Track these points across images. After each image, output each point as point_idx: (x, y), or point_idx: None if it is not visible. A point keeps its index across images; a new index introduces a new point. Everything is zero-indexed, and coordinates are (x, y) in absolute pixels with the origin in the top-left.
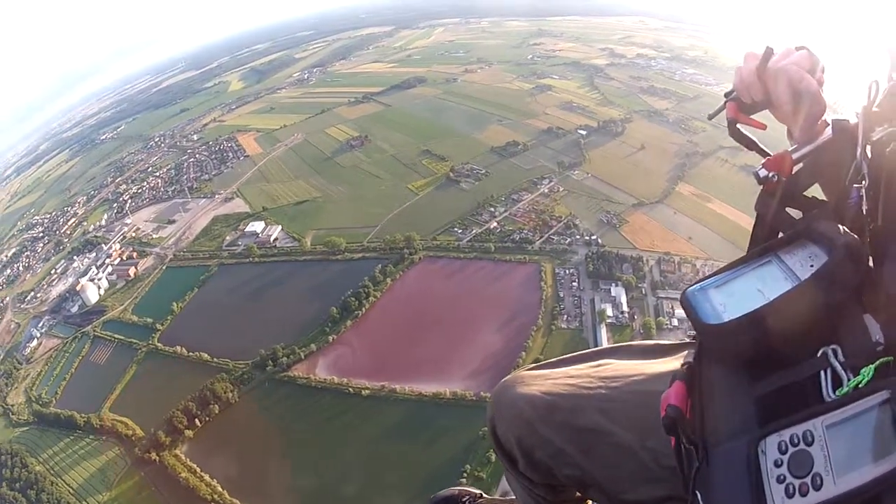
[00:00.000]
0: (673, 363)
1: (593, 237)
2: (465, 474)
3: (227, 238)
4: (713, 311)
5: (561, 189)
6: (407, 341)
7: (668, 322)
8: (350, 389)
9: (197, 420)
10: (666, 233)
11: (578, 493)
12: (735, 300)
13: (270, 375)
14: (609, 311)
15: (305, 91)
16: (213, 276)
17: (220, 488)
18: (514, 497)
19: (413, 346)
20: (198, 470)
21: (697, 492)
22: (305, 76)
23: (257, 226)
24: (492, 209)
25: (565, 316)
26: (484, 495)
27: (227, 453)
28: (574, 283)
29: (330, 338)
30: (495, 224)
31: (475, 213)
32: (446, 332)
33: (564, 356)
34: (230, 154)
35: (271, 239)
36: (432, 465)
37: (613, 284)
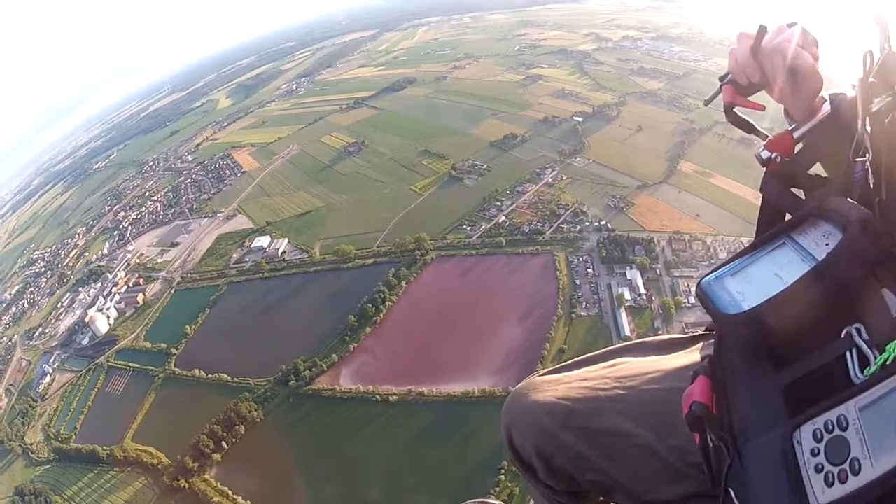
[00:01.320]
0: (688, 357)
1: (602, 222)
2: (501, 471)
3: (234, 256)
4: (732, 300)
5: (564, 177)
6: (429, 343)
7: (685, 301)
8: (377, 397)
9: (224, 442)
10: (673, 212)
11: (602, 498)
12: (753, 287)
13: (294, 390)
14: (627, 295)
15: (295, 102)
16: (223, 295)
17: None
18: None
19: (435, 347)
20: (229, 493)
21: (731, 489)
22: (294, 87)
23: (263, 241)
24: (498, 203)
25: (584, 303)
26: None
27: (257, 473)
28: (589, 270)
29: (350, 346)
30: (503, 218)
31: (482, 209)
32: (467, 329)
33: (577, 358)
34: (227, 171)
35: (279, 253)
36: (468, 464)
37: (628, 268)
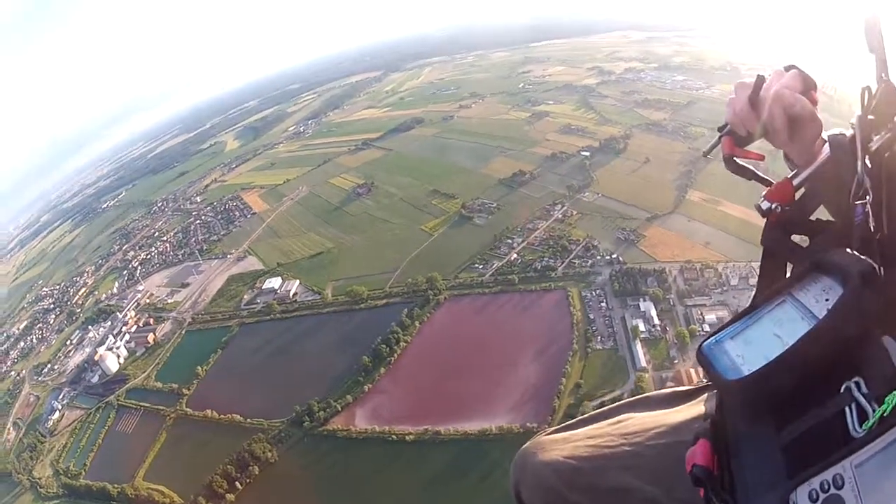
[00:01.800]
0: (692, 410)
1: (614, 256)
2: None
3: (245, 297)
4: (732, 364)
5: (574, 212)
6: (444, 382)
7: (699, 329)
8: (393, 437)
9: (237, 483)
10: (683, 241)
11: None
12: (753, 349)
13: (308, 431)
14: (641, 327)
15: (303, 144)
16: (235, 336)
17: None
18: None
19: (451, 386)
20: None
21: None
22: (301, 129)
23: (274, 282)
24: (509, 241)
25: (599, 337)
26: None
27: None
28: (602, 304)
29: (365, 387)
30: (515, 255)
31: (493, 247)
32: (482, 368)
33: (583, 416)
34: (236, 213)
35: (290, 294)
36: (489, 499)
37: (641, 299)
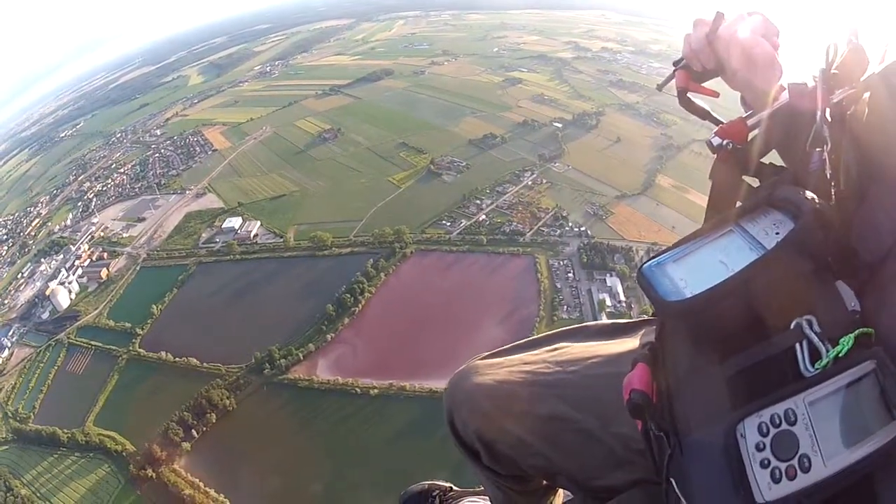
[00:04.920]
0: (631, 343)
1: (582, 228)
2: None
3: (204, 235)
4: (673, 287)
5: (544, 181)
6: (409, 337)
7: None
8: (357, 390)
9: (194, 431)
10: (651, 223)
11: (546, 483)
12: (696, 274)
13: (268, 379)
14: (608, 301)
15: (269, 84)
16: (192, 275)
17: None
18: (482, 488)
19: (416, 341)
20: (201, 485)
21: (672, 480)
22: (267, 69)
23: (235, 222)
24: (478, 201)
25: (565, 307)
26: (454, 487)
27: (231, 465)
28: (570, 274)
29: (328, 336)
30: (483, 217)
31: (462, 206)
32: (449, 326)
33: (519, 342)
34: (197, 148)
35: (251, 235)
36: (453, 459)
37: (608, 275)
